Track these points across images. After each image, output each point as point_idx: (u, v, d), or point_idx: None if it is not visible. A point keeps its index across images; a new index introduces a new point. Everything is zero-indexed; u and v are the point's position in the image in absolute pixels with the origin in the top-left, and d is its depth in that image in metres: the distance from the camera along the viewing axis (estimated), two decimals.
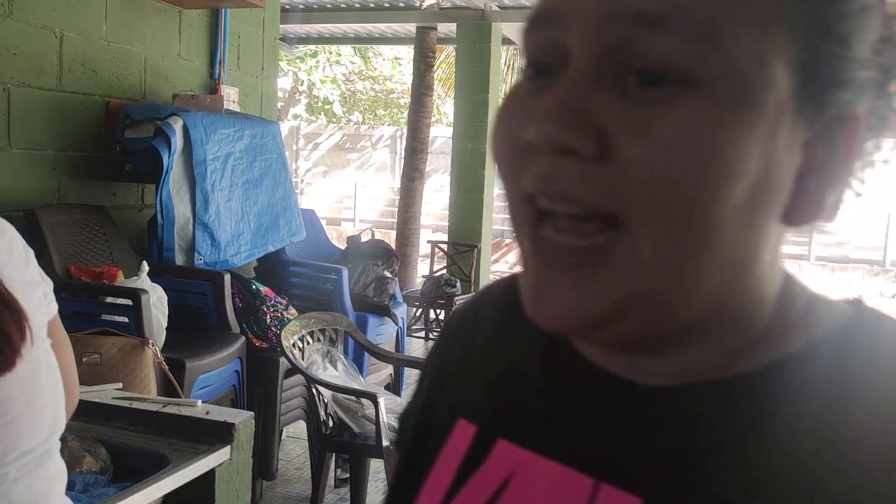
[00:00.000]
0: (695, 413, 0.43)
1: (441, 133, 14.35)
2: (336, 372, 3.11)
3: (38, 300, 1.05)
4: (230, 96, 3.59)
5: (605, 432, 0.45)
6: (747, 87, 0.38)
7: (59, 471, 1.06)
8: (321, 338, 3.23)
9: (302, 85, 17.72)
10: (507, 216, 0.44)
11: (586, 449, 0.45)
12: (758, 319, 0.44)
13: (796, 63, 0.39)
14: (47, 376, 1.02)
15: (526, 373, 0.50)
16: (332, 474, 3.22)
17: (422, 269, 8.02)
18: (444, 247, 6.89)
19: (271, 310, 3.26)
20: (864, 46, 0.41)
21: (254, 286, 3.29)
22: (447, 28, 7.36)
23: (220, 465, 1.65)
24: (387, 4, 6.75)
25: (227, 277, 3.03)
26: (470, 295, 5.75)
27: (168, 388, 2.35)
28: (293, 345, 2.95)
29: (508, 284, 0.55)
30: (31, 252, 1.09)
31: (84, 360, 2.19)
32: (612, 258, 0.40)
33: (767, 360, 0.43)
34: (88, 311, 2.53)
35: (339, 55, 17.40)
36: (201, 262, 3.08)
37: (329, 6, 6.84)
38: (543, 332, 0.45)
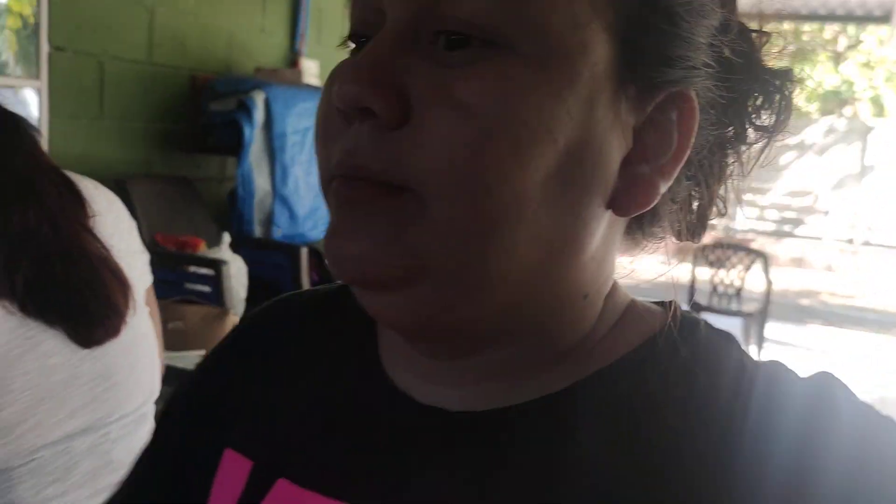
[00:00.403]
0: (499, 440, 0.40)
1: None
2: None
3: (140, 270, 1.09)
4: (310, 70, 3.63)
5: (405, 467, 0.41)
6: (558, 50, 0.36)
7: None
8: None
9: None
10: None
11: (381, 487, 0.41)
12: (582, 321, 0.41)
13: (617, 31, 0.37)
14: (147, 343, 1.07)
15: (318, 403, 0.45)
16: None
17: None
18: None
19: None
20: (695, 27, 0.38)
21: None
22: None
23: None
24: None
25: (305, 251, 3.09)
26: None
27: None
28: None
29: (299, 306, 0.52)
30: (134, 223, 1.13)
31: (169, 326, 2.27)
32: (409, 216, 0.37)
33: (576, 378, 0.40)
34: (173, 280, 2.61)
35: None
36: (279, 234, 3.14)
37: None
38: (354, 356, 0.45)
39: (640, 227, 0.43)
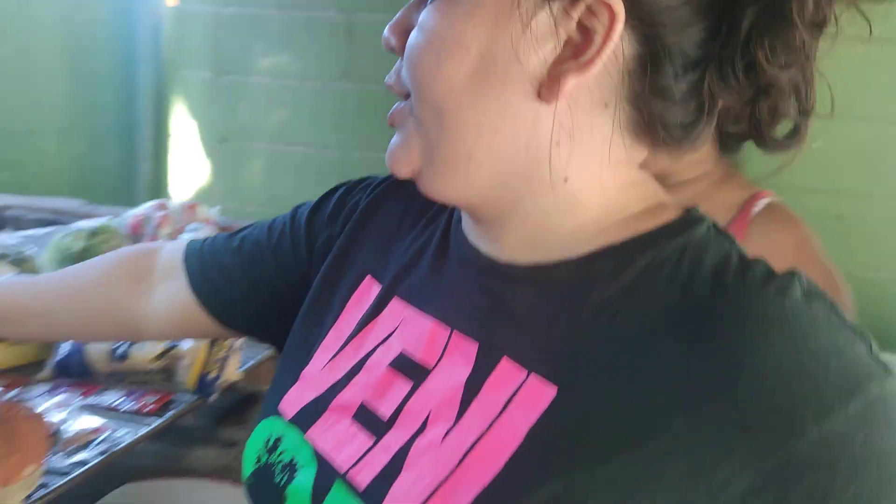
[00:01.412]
0: (531, 286, 0.52)
1: None
2: None
3: None
4: None
5: (466, 296, 0.55)
6: None
7: None
8: None
9: None
10: None
11: (452, 309, 0.55)
12: (576, 202, 0.51)
13: None
14: None
15: (425, 250, 0.61)
16: None
17: None
18: None
19: None
20: None
21: None
22: None
23: None
24: None
25: None
26: None
27: None
28: None
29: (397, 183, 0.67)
30: None
31: None
32: (410, 120, 0.52)
33: (590, 249, 0.51)
34: None
35: None
36: None
37: None
38: (445, 220, 0.60)
39: (645, 129, 0.50)
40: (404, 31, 0.52)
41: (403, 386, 0.54)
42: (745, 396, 0.42)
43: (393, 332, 0.57)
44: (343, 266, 0.64)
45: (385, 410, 0.54)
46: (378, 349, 0.57)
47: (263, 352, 1.16)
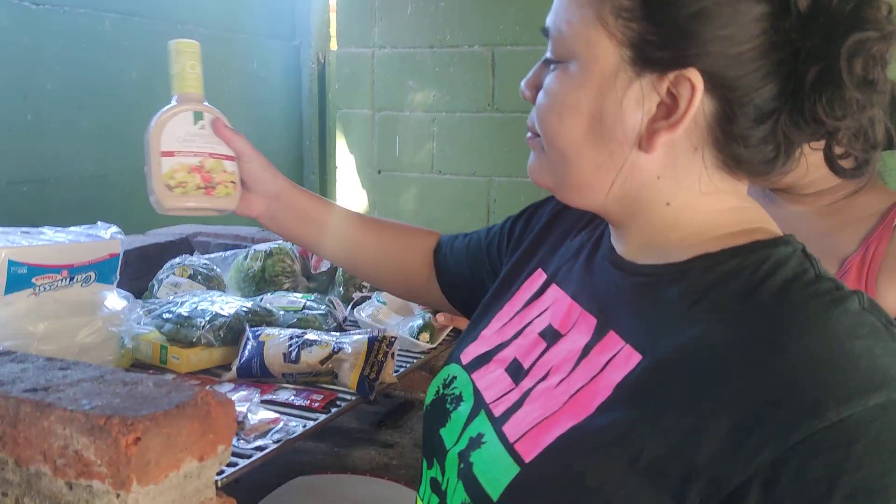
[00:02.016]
0: (641, 279, 0.64)
1: None
2: None
3: None
4: None
5: (597, 284, 0.69)
6: (579, 61, 0.62)
7: None
8: None
9: None
10: None
11: (585, 293, 0.70)
12: (677, 221, 0.63)
13: (628, 43, 0.59)
14: None
15: (583, 248, 0.75)
16: None
17: None
18: None
19: None
20: (700, 29, 0.56)
21: None
22: None
23: None
24: None
25: None
26: None
27: None
28: None
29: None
30: None
31: None
32: (541, 150, 0.66)
33: (685, 257, 0.62)
34: None
35: None
36: None
37: None
38: (603, 226, 0.73)
39: (730, 168, 0.61)
40: (535, 86, 0.67)
41: (542, 346, 0.70)
42: (777, 375, 0.50)
43: (546, 310, 0.74)
44: (524, 261, 0.82)
45: (526, 364, 0.70)
46: (535, 321, 0.74)
47: (414, 360, 1.26)
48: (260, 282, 1.45)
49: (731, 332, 0.55)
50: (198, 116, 0.93)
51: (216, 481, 0.79)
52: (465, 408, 0.72)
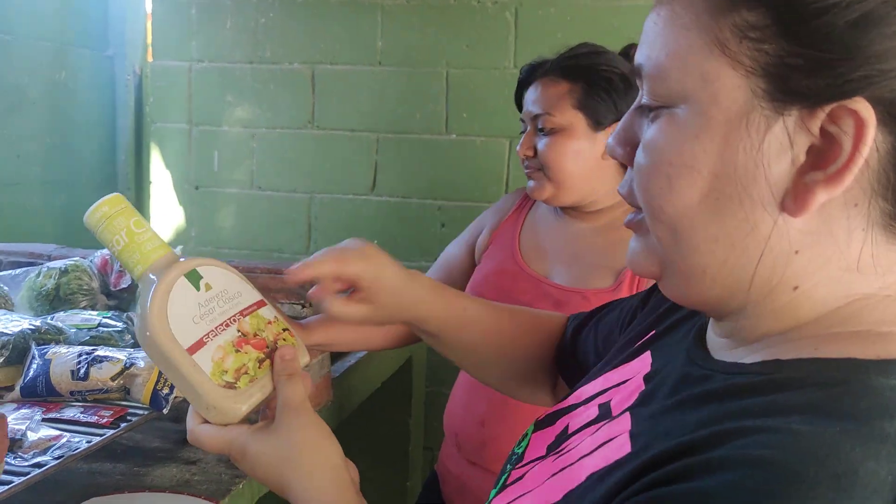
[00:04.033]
0: (732, 393, 0.49)
1: None
2: None
3: None
4: None
5: (663, 373, 0.60)
6: (693, 105, 0.48)
7: None
8: None
9: None
10: None
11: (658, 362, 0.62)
12: (794, 310, 0.49)
13: (761, 72, 0.45)
14: None
15: (686, 337, 0.62)
16: None
17: None
18: None
19: None
20: (856, 44, 0.43)
21: None
22: None
23: None
24: None
25: None
26: None
27: None
28: None
29: None
30: None
31: None
32: (647, 230, 0.53)
33: (776, 357, 0.49)
34: None
35: None
36: None
37: None
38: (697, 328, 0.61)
39: None
40: (628, 142, 0.54)
41: (592, 418, 0.65)
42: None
43: (625, 381, 0.65)
44: (637, 340, 0.72)
45: (570, 432, 0.65)
46: (610, 389, 0.67)
47: None
48: (54, 300, 1.40)
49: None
50: (193, 277, 0.69)
51: None
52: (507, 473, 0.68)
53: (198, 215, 2.63)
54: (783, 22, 0.44)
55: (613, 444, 0.55)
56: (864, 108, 0.43)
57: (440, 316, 0.86)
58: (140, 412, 1.07)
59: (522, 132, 1.48)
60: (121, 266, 1.46)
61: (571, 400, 0.72)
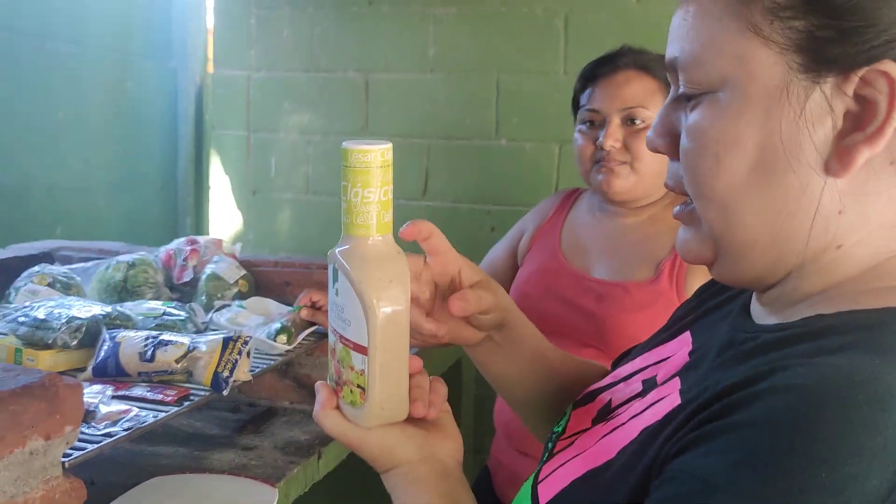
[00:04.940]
0: (776, 345, 0.52)
1: None
2: None
3: None
4: None
5: (717, 339, 0.61)
6: (732, 85, 0.52)
7: None
8: None
9: None
10: None
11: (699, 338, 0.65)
12: (835, 269, 0.52)
13: (794, 47, 0.49)
14: None
15: (729, 315, 0.65)
16: None
17: None
18: None
19: None
20: (875, 11, 0.47)
21: None
22: None
23: None
24: None
25: None
26: None
27: None
28: None
29: None
30: None
31: None
32: (697, 219, 0.56)
33: (815, 313, 0.52)
34: None
35: None
36: None
37: None
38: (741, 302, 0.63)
39: None
40: (668, 133, 0.58)
41: (636, 392, 0.68)
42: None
43: (668, 358, 0.68)
44: (676, 324, 0.75)
45: (613, 406, 0.68)
46: (650, 367, 0.70)
47: (271, 361, 1.32)
48: (122, 292, 1.48)
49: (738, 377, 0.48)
50: (335, 275, 0.65)
51: (63, 462, 0.83)
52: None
53: (255, 219, 2.71)
54: (810, 0, 0.48)
55: (664, 401, 0.57)
56: (893, 68, 0.47)
57: (521, 325, 0.83)
58: (202, 393, 1.13)
59: (583, 128, 1.50)
60: (187, 259, 1.53)
61: (609, 379, 0.74)
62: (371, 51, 2.48)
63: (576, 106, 1.54)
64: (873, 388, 0.42)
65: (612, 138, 1.43)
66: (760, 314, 0.59)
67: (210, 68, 2.74)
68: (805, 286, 0.54)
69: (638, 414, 0.59)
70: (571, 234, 1.56)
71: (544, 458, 0.71)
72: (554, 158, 2.35)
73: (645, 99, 1.42)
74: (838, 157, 0.49)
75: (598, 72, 1.49)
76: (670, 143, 0.57)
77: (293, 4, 2.56)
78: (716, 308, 0.71)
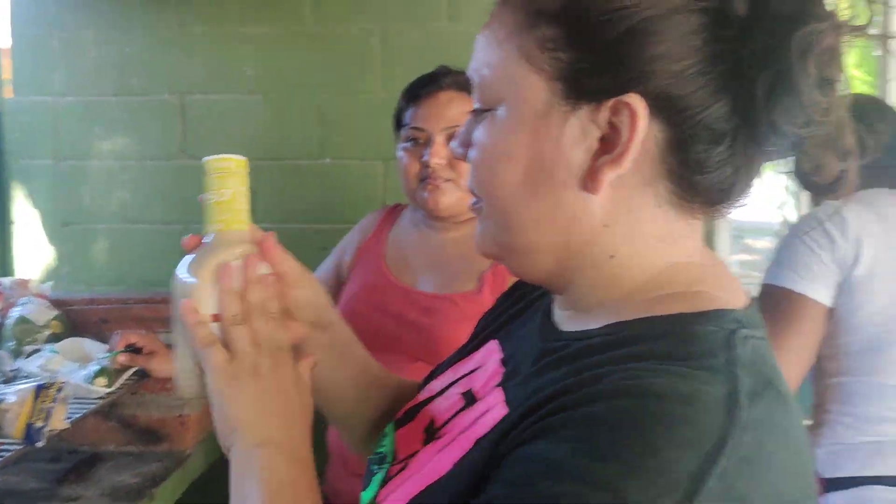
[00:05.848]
0: (588, 352, 0.56)
1: None
2: None
3: None
4: None
5: (520, 356, 0.67)
6: (507, 105, 0.58)
7: None
8: None
9: None
10: None
11: (518, 343, 0.70)
12: (616, 278, 0.59)
13: (557, 77, 0.55)
14: None
15: (531, 321, 0.70)
16: None
17: None
18: None
19: None
20: (632, 50, 0.53)
21: None
22: None
23: None
24: None
25: None
26: None
27: None
28: None
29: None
30: None
31: None
32: (483, 216, 0.62)
33: (607, 322, 0.57)
34: None
35: None
36: None
37: None
38: (546, 306, 0.68)
39: (688, 195, 0.56)
40: (467, 143, 0.63)
41: (459, 407, 0.69)
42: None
43: (477, 369, 0.72)
44: (478, 336, 0.80)
45: (438, 424, 0.70)
46: (462, 379, 0.73)
47: (89, 406, 1.26)
48: None
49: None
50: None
51: None
52: (383, 470, 0.71)
53: (68, 252, 2.54)
54: (573, 35, 0.54)
55: (492, 412, 0.61)
56: (635, 100, 0.53)
57: (347, 331, 0.87)
58: (14, 447, 1.06)
59: (408, 146, 1.54)
60: None
61: (424, 395, 0.77)
62: (186, 72, 2.41)
63: (399, 124, 1.58)
64: (683, 389, 0.48)
65: (438, 156, 1.48)
66: (562, 319, 0.65)
67: (7, 93, 2.55)
68: (596, 294, 0.60)
69: (468, 427, 0.62)
70: (396, 250, 1.60)
71: (372, 484, 0.71)
72: (379, 176, 2.39)
73: (466, 118, 1.47)
74: (590, 176, 0.56)
75: (421, 91, 1.53)
76: (469, 152, 0.63)
77: (98, 26, 2.44)
78: (518, 315, 0.76)
